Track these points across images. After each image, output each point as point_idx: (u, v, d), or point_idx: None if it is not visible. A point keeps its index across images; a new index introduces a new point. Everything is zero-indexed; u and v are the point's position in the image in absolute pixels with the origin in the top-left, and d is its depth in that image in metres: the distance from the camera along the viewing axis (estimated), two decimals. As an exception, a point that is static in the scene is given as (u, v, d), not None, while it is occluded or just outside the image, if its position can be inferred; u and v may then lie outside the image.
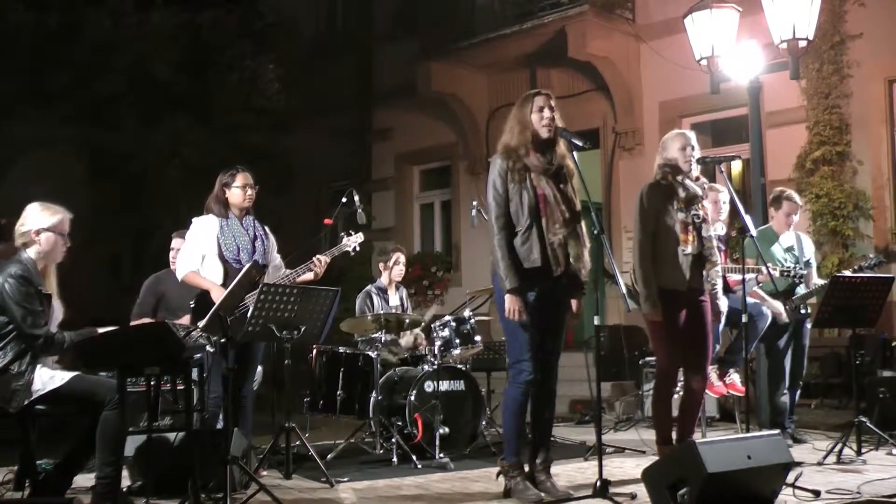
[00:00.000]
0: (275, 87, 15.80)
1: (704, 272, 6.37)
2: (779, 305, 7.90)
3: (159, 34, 15.33)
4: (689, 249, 6.29)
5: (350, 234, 7.26)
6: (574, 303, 5.90)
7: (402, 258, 9.00)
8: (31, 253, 5.54)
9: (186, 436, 5.55)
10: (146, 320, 7.26)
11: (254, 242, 6.72)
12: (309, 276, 6.84)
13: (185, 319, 6.71)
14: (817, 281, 8.14)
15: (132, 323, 7.29)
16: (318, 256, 6.90)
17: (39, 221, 5.58)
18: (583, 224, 5.88)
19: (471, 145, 15.84)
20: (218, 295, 6.17)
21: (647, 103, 13.85)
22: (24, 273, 5.42)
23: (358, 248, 7.27)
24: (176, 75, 15.37)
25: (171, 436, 6.12)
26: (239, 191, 6.73)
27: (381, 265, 9.02)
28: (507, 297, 5.66)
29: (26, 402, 5.37)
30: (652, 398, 6.71)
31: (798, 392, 8.35)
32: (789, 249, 8.17)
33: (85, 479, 6.09)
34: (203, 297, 6.45)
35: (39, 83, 14.64)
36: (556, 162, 5.82)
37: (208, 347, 5.74)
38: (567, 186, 5.84)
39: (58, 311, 5.69)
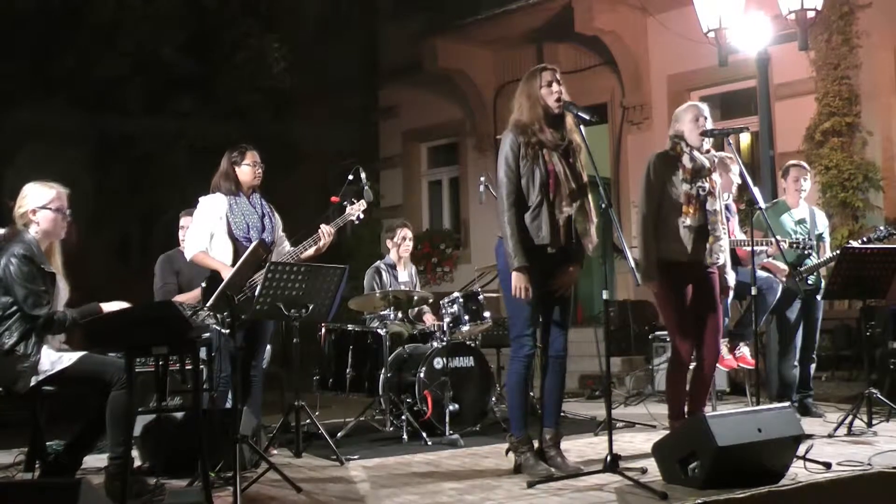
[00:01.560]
0: (280, 66, 15.74)
1: (707, 245, 6.32)
2: (786, 268, 7.85)
3: (163, 15, 15.26)
4: (689, 221, 6.23)
5: (353, 203, 7.25)
6: (564, 271, 5.84)
7: (409, 233, 8.97)
8: (32, 232, 5.53)
9: (194, 415, 5.54)
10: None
11: (262, 220, 6.71)
12: (311, 250, 6.82)
13: (192, 296, 6.73)
14: (828, 254, 8.09)
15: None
16: (322, 227, 6.88)
17: (35, 200, 5.58)
18: (590, 199, 5.86)
19: (478, 122, 15.80)
20: (227, 275, 6.15)
21: (654, 77, 13.78)
22: (27, 252, 5.41)
23: (362, 216, 7.26)
24: (181, 56, 15.32)
25: (178, 415, 6.13)
26: (249, 168, 6.72)
27: (388, 242, 9.01)
28: (515, 274, 5.65)
29: (34, 383, 5.37)
30: (666, 373, 6.69)
31: (813, 366, 8.32)
32: (800, 222, 8.13)
33: (95, 460, 6.12)
34: (214, 277, 6.43)
35: (44, 67, 14.62)
36: (567, 137, 5.80)
37: (216, 326, 5.73)
38: (576, 162, 5.83)
39: (63, 290, 5.67)
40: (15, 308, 5.39)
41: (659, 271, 6.26)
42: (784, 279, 7.86)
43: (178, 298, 6.94)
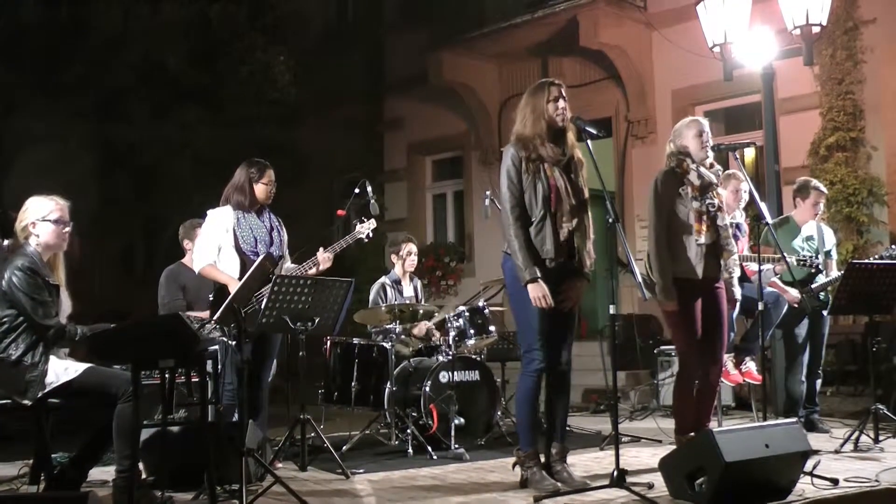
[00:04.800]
0: (286, 79, 15.78)
1: (721, 261, 6.33)
2: (795, 294, 7.88)
3: (170, 27, 15.32)
4: (703, 239, 6.23)
5: (363, 221, 7.29)
6: (571, 286, 5.81)
7: (414, 248, 8.96)
8: (33, 245, 5.55)
9: (200, 428, 5.53)
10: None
11: (271, 234, 6.73)
12: (311, 271, 6.84)
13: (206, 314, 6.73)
14: (835, 272, 8.08)
15: None
16: (319, 254, 6.92)
17: (35, 213, 5.60)
18: (589, 215, 5.85)
19: (483, 135, 15.80)
20: (235, 288, 6.15)
21: (659, 91, 13.79)
22: (31, 265, 5.43)
23: (371, 235, 7.31)
24: (187, 68, 15.37)
25: (183, 428, 6.12)
26: (264, 187, 6.75)
27: (393, 256, 8.99)
28: (531, 286, 5.61)
29: (40, 395, 5.38)
30: (673, 388, 6.67)
31: (819, 381, 8.31)
32: (808, 239, 8.13)
33: (100, 473, 6.12)
34: (222, 290, 6.44)
35: (50, 77, 14.67)
36: (568, 153, 5.80)
37: (224, 339, 5.73)
38: (577, 177, 5.82)
39: (66, 303, 5.69)
40: (21, 320, 5.41)
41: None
42: (793, 298, 7.84)
43: (192, 315, 6.93)
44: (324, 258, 6.93)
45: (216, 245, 6.59)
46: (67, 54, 14.80)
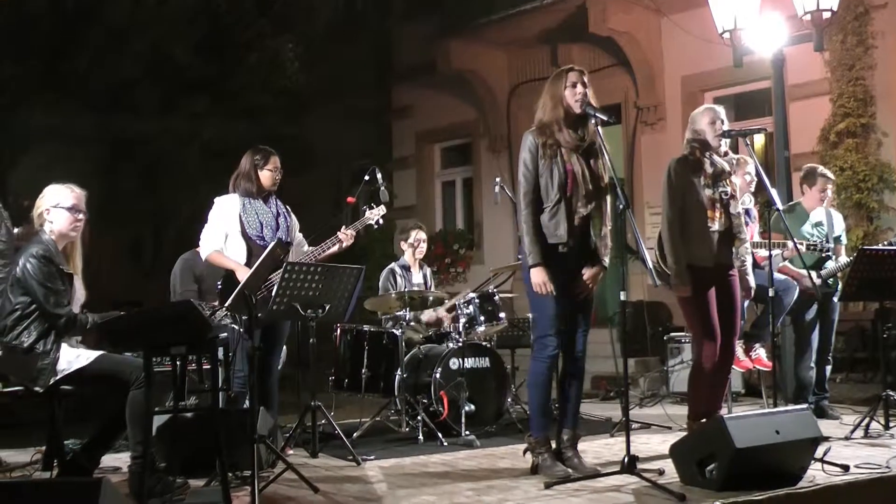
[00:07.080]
0: (295, 67, 15.73)
1: (734, 248, 6.35)
2: (807, 277, 7.84)
3: (177, 15, 15.26)
4: (716, 226, 6.26)
5: (372, 208, 7.29)
6: (587, 272, 5.82)
7: (423, 235, 8.95)
8: (47, 231, 5.57)
9: (212, 415, 5.54)
10: None
11: (277, 219, 6.74)
12: (334, 248, 6.85)
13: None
14: (844, 258, 8.06)
15: None
16: (343, 231, 6.91)
17: (50, 200, 5.63)
18: (608, 201, 5.85)
19: (491, 122, 15.77)
20: (243, 275, 6.15)
21: (668, 78, 13.74)
22: (46, 253, 5.45)
23: (381, 221, 7.29)
24: (194, 57, 15.33)
25: (195, 415, 6.14)
26: (269, 173, 6.75)
27: (402, 243, 8.99)
28: (533, 271, 5.68)
29: (52, 382, 5.41)
30: (689, 374, 6.68)
31: (829, 368, 8.30)
32: (818, 225, 8.12)
33: (113, 459, 6.14)
34: (230, 277, 6.45)
35: (57, 68, 14.64)
36: (588, 138, 5.81)
37: (235, 326, 5.73)
38: (597, 162, 5.84)
39: (79, 291, 5.71)
40: (34, 307, 5.43)
41: None
42: (807, 284, 7.80)
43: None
44: (346, 235, 6.92)
45: (223, 232, 6.61)
46: (73, 45, 14.75)
